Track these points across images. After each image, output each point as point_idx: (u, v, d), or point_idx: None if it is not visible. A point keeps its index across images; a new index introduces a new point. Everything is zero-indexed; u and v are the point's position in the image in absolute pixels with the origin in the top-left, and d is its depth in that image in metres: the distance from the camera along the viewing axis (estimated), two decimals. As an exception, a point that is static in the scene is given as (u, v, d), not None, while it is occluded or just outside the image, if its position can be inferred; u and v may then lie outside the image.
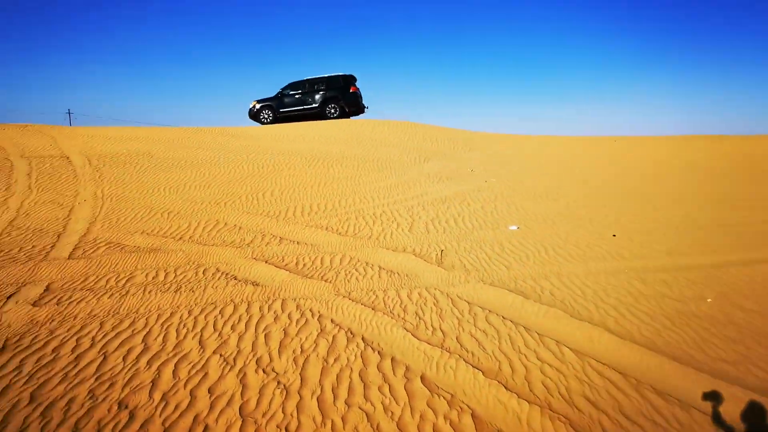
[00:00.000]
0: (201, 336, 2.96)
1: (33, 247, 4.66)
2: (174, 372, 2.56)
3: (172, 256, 4.47)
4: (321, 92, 15.12)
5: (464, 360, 2.74)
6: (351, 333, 3.05)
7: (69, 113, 43.39)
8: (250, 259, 4.44)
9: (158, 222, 5.61)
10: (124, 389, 2.39)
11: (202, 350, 2.79)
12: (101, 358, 2.68)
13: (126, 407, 2.25)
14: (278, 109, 15.32)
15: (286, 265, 4.31)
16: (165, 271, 4.09)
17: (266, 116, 15.53)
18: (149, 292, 3.62)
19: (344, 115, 15.55)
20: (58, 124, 14.62)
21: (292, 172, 8.51)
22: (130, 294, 3.59)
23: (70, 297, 3.51)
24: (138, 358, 2.69)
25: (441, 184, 8.23)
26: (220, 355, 2.74)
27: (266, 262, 4.37)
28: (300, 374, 2.56)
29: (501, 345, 2.94)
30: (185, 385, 2.44)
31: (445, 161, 10.61)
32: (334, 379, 2.54)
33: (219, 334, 2.99)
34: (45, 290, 3.62)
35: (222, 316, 3.24)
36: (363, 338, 2.99)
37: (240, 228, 5.46)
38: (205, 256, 4.49)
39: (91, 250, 4.60)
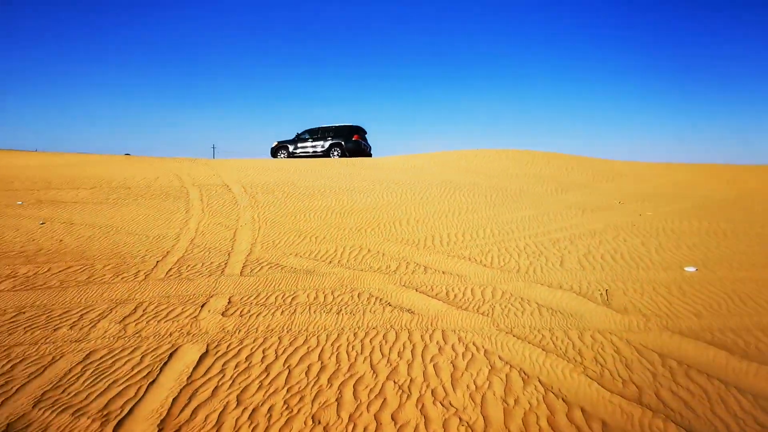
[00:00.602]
0: (371, 360, 3.04)
1: (211, 263, 5.38)
2: (354, 393, 2.64)
3: (326, 279, 4.77)
4: (329, 138, 18.36)
5: (674, 422, 2.35)
6: (525, 374, 2.86)
7: (213, 148, 51.24)
8: (399, 286, 4.53)
9: (308, 245, 6.09)
10: (314, 404, 2.52)
11: (375, 375, 2.85)
12: (286, 371, 2.89)
13: (319, 423, 2.36)
14: (293, 151, 18.76)
15: (437, 294, 4.29)
16: (323, 293, 4.37)
17: (282, 155, 18.83)
18: (314, 312, 3.88)
19: (344, 157, 18.03)
20: (203, 157, 17.33)
21: (424, 201, 8.66)
22: (297, 312, 3.88)
23: (249, 311, 3.92)
24: (318, 375, 2.85)
25: (586, 216, 7.61)
26: (394, 382, 2.76)
27: (416, 290, 4.40)
28: (481, 413, 2.44)
29: (714, 408, 2.48)
30: (368, 409, 2.49)
31: (586, 192, 9.85)
32: (521, 423, 2.36)
33: (387, 360, 3.04)
34: (228, 302, 4.11)
35: (386, 342, 3.30)
36: (540, 381, 2.77)
37: (383, 255, 5.65)
38: (356, 281, 4.70)
39: (257, 269, 5.14)
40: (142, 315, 3.80)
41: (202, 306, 4.02)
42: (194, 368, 2.91)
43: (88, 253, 5.69)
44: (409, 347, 3.22)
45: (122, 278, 4.77)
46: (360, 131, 18.64)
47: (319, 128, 18.74)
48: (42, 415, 2.40)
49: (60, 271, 4.90)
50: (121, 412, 2.44)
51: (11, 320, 3.60)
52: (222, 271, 5.06)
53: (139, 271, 5.04)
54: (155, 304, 4.06)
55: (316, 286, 4.57)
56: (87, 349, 3.17)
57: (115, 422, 2.35)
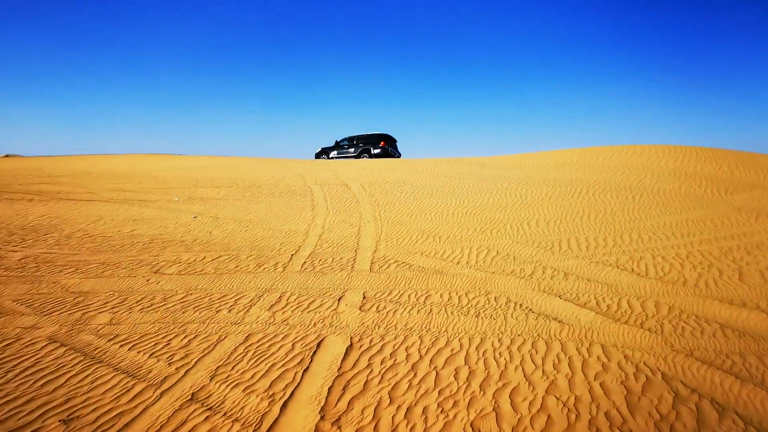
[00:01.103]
0: (523, 370, 2.84)
1: (341, 258, 5.61)
2: (512, 404, 2.47)
3: (457, 280, 4.65)
4: (360, 145, 21.28)
5: None
6: (719, 405, 2.41)
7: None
8: (539, 292, 4.22)
9: (433, 245, 6.04)
10: (469, 411, 2.42)
11: (531, 387, 2.65)
12: (434, 372, 2.84)
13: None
14: (331, 156, 21.91)
15: (586, 304, 3.90)
16: (457, 294, 4.26)
17: (323, 158, 22.08)
18: (451, 313, 3.78)
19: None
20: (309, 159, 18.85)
21: (551, 201, 8.09)
22: (434, 313, 3.82)
23: (385, 307, 3.97)
24: (468, 380, 2.74)
25: (762, 222, 6.38)
26: (556, 398, 2.53)
27: (560, 297, 4.06)
28: (673, 447, 2.11)
29: None
30: (532, 424, 2.30)
31: (759, 193, 8.30)
32: (730, 467, 1.98)
33: (542, 372, 2.81)
34: (363, 298, 4.22)
35: (536, 352, 3.07)
36: (738, 414, 2.31)
37: (514, 257, 5.35)
38: (489, 284, 4.51)
39: (386, 266, 5.22)
40: (287, 304, 4.07)
41: (339, 299, 4.18)
42: (342, 360, 3.00)
43: (233, 245, 6.33)
44: (565, 360, 2.95)
45: (264, 269, 5.20)
46: (387, 139, 21.32)
47: (354, 137, 21.81)
48: (218, 388, 2.66)
49: (213, 260, 5.53)
50: (284, 394, 2.60)
51: (182, 300, 4.13)
52: (352, 267, 5.24)
53: (277, 263, 5.45)
54: (296, 294, 4.33)
55: (447, 286, 4.48)
56: (245, 331, 3.47)
57: (280, 403, 2.51)
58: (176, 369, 2.87)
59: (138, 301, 4.07)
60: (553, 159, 12.88)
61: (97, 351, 3.10)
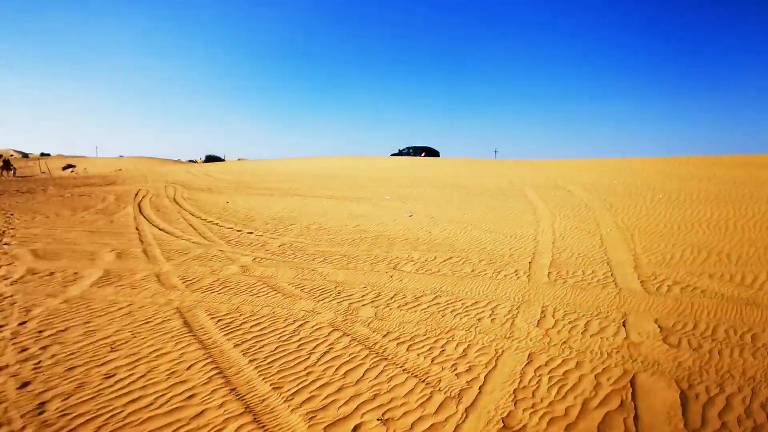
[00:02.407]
0: None
1: (593, 272, 4.84)
2: None
3: (794, 319, 3.44)
4: (412, 152, 32.29)
5: None
6: None
7: (495, 151, 53.53)
8: None
9: (721, 266, 4.77)
10: None
11: None
12: None
13: None
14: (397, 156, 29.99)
15: None
16: (809, 339, 3.10)
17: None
18: (820, 369, 2.71)
19: None
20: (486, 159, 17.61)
21: None
22: (785, 362, 2.81)
23: (700, 345, 3.11)
24: None
25: None
26: None
27: None
28: None
29: None
30: None
31: None
32: None
33: None
34: (659, 328, 3.41)
35: None
36: None
37: None
38: None
39: (664, 288, 4.26)
40: (555, 322, 3.55)
41: (624, 324, 3.47)
42: (682, 413, 2.32)
43: (457, 246, 6.15)
44: None
45: (504, 275, 4.80)
46: (427, 150, 32.17)
47: (410, 147, 32.74)
48: (529, 418, 2.29)
49: (444, 261, 5.39)
50: (623, 446, 2.08)
51: (434, 302, 3.99)
52: (615, 283, 4.44)
53: (516, 270, 5.00)
54: (561, 311, 3.78)
55: (783, 326, 3.33)
56: (523, 349, 3.07)
57: (626, 460, 1.99)
58: (467, 383, 2.63)
59: (392, 298, 4.09)
60: None
61: (377, 346, 3.09)
